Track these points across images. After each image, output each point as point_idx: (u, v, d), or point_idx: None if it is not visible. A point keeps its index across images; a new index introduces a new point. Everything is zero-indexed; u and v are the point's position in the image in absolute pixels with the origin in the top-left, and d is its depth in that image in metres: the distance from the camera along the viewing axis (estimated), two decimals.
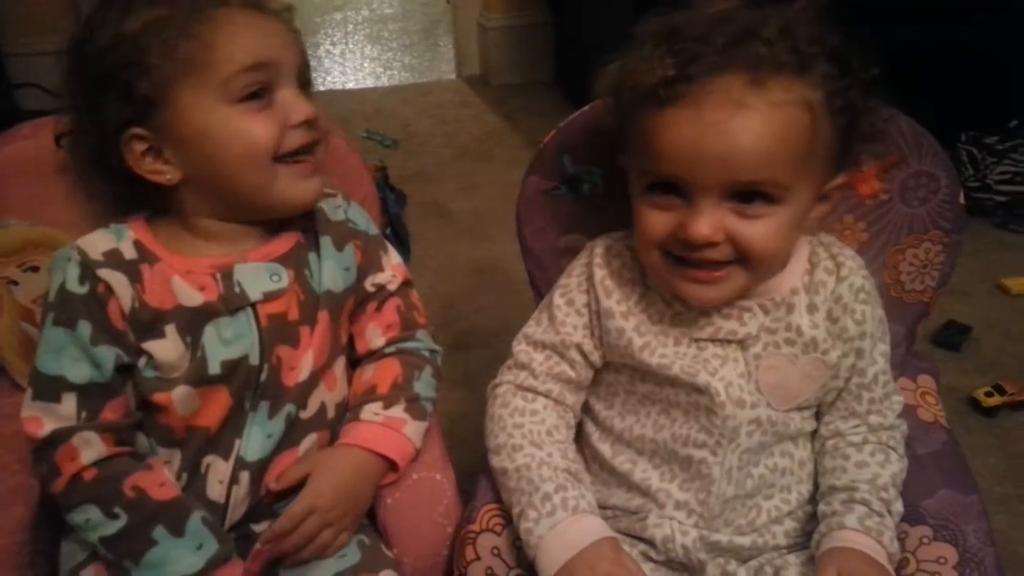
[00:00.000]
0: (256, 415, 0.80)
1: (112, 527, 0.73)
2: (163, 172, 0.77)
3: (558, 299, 0.85)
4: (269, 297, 0.80)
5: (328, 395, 0.85)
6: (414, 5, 3.92)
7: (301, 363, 0.81)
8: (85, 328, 0.74)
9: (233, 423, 0.79)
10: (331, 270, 0.84)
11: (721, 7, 0.71)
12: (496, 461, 0.82)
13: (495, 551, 0.80)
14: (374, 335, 0.89)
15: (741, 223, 0.70)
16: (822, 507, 0.79)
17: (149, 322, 0.77)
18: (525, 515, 0.77)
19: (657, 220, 0.73)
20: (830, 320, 0.79)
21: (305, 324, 0.82)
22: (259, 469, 0.80)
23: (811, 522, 0.81)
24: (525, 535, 0.76)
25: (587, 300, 0.83)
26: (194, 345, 0.78)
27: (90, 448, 0.74)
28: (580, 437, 0.88)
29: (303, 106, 0.78)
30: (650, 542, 0.79)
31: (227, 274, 0.79)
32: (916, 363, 0.97)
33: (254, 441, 0.80)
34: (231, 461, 0.79)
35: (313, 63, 3.10)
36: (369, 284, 0.89)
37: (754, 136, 0.67)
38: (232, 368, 0.78)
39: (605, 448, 0.84)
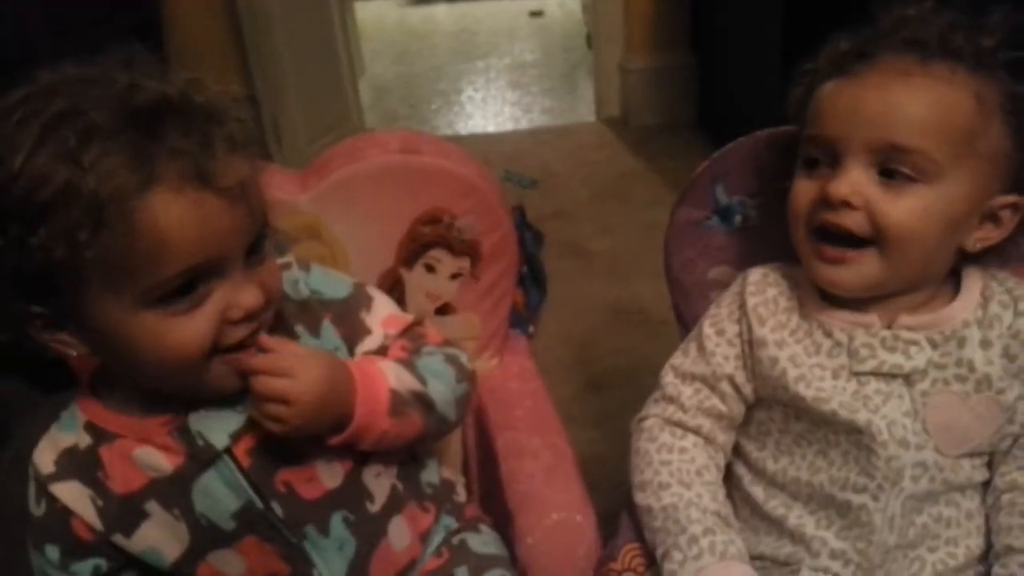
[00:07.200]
0: (307, 541, 0.72)
1: None
2: (68, 345, 0.62)
3: (708, 329, 0.82)
4: (239, 436, 0.68)
5: (381, 467, 0.75)
6: (555, 51, 3.99)
7: (319, 474, 0.71)
8: (52, 552, 0.70)
9: (294, 558, 0.72)
10: None
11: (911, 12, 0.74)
12: (641, 498, 0.80)
13: None
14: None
15: (883, 194, 0.70)
16: (997, 569, 0.72)
17: (127, 511, 0.68)
18: (670, 556, 0.74)
19: (805, 188, 0.75)
20: (1007, 358, 0.73)
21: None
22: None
23: None
24: None
25: (739, 330, 0.80)
26: (188, 513, 0.69)
27: None
28: (730, 480, 0.84)
29: (248, 295, 0.61)
30: None
31: (183, 428, 0.67)
32: None
33: (330, 559, 0.73)
34: None
35: (456, 109, 3.30)
36: (360, 355, 0.76)
37: (913, 100, 0.69)
38: (245, 515, 0.69)
39: (757, 491, 0.80)
